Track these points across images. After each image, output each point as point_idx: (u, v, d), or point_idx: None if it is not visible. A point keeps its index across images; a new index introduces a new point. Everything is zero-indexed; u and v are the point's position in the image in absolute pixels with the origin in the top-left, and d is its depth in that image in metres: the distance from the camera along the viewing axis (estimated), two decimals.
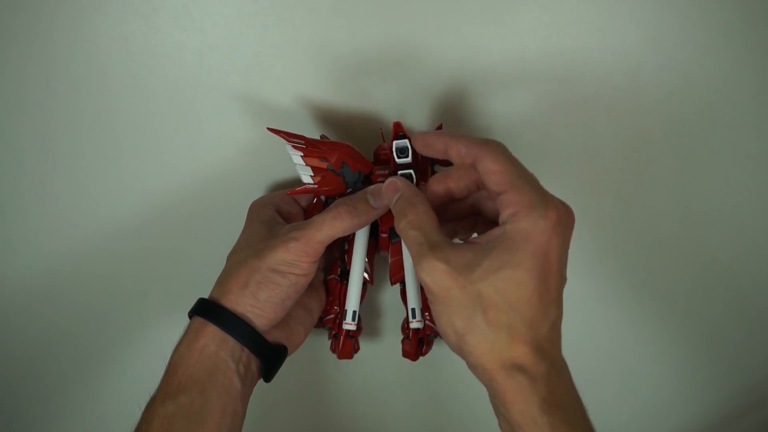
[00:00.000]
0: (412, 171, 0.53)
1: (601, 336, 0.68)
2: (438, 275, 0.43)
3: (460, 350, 0.44)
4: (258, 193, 0.60)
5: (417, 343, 0.59)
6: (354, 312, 0.56)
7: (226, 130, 0.58)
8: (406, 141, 0.52)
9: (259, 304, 0.49)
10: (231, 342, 0.49)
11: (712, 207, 0.64)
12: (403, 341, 0.60)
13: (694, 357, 0.70)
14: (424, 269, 0.43)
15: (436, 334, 0.59)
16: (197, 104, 0.57)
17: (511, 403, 0.42)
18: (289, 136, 0.52)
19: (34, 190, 0.60)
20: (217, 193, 0.60)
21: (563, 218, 0.42)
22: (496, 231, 0.43)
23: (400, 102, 0.58)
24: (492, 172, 0.44)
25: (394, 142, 0.52)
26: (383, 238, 0.56)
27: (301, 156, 0.52)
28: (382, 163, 0.55)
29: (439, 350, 0.62)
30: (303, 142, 0.52)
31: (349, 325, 0.56)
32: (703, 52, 0.57)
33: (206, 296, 0.51)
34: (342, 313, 0.58)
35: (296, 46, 0.55)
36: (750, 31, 0.57)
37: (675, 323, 0.68)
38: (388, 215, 0.54)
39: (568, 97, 0.58)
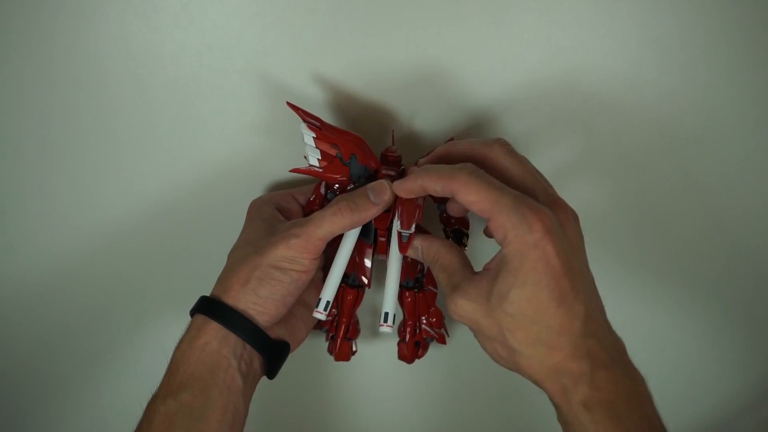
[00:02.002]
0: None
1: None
2: (463, 311, 0.46)
3: (510, 368, 0.47)
4: (258, 192, 0.60)
5: (413, 346, 0.59)
6: (327, 302, 0.54)
7: (225, 130, 0.58)
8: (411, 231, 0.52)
9: (260, 300, 0.49)
10: (233, 339, 0.49)
11: (712, 207, 0.64)
12: (399, 344, 0.60)
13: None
14: (451, 308, 0.47)
15: (432, 338, 0.59)
16: (197, 104, 0.57)
17: (559, 404, 0.44)
18: (306, 115, 0.52)
19: (34, 189, 0.60)
20: (217, 192, 0.60)
21: (550, 222, 0.43)
22: (498, 255, 0.46)
23: (407, 103, 0.58)
24: (470, 203, 0.45)
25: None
26: (381, 242, 0.56)
27: (314, 137, 0.52)
28: (389, 164, 0.55)
29: (434, 353, 0.62)
30: (318, 123, 0.52)
31: (319, 313, 0.54)
32: (702, 52, 0.57)
33: (207, 294, 0.51)
34: (340, 316, 0.57)
35: (296, 46, 0.55)
36: (750, 30, 0.57)
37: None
38: (384, 217, 0.54)
39: (569, 97, 0.58)
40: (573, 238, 0.45)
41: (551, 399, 0.45)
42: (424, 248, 0.52)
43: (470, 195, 0.45)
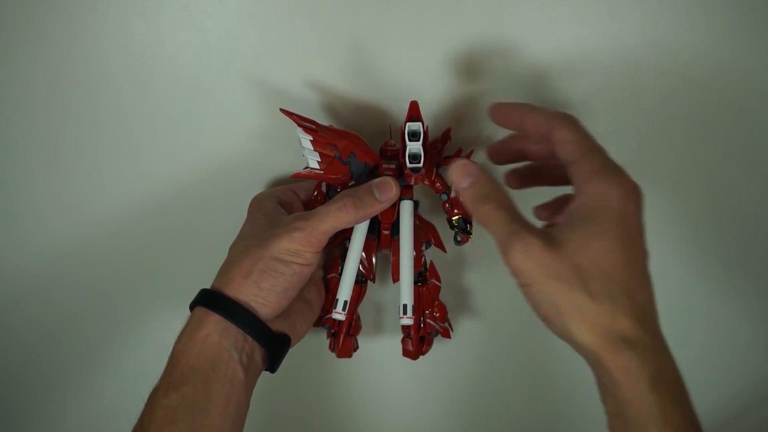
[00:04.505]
0: (420, 165, 0.52)
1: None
2: (535, 252, 0.41)
3: (564, 332, 0.42)
4: (258, 188, 0.60)
5: (418, 342, 0.58)
6: (345, 302, 0.54)
7: (225, 129, 0.58)
8: (420, 125, 0.51)
9: (262, 293, 0.49)
10: (234, 331, 0.48)
11: (713, 206, 0.64)
12: (403, 340, 0.59)
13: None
14: (517, 248, 0.42)
15: (437, 332, 0.59)
16: (197, 104, 0.57)
17: (621, 380, 0.40)
18: (300, 120, 0.52)
19: (32, 187, 0.60)
20: (217, 189, 0.60)
21: (635, 187, 0.43)
22: (573, 206, 0.43)
23: (404, 102, 0.58)
24: (565, 141, 0.45)
25: (407, 125, 0.51)
26: (385, 235, 0.56)
27: (311, 141, 0.52)
28: (389, 158, 0.55)
29: (439, 349, 0.62)
30: (314, 126, 0.52)
31: (338, 314, 0.54)
32: (703, 51, 0.57)
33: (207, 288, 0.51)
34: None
35: (296, 46, 0.56)
36: (750, 30, 0.57)
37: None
38: (390, 212, 0.54)
39: (569, 97, 0.58)
40: (643, 215, 0.44)
41: (606, 374, 0.41)
42: (482, 179, 0.46)
43: (569, 134, 0.45)
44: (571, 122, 0.45)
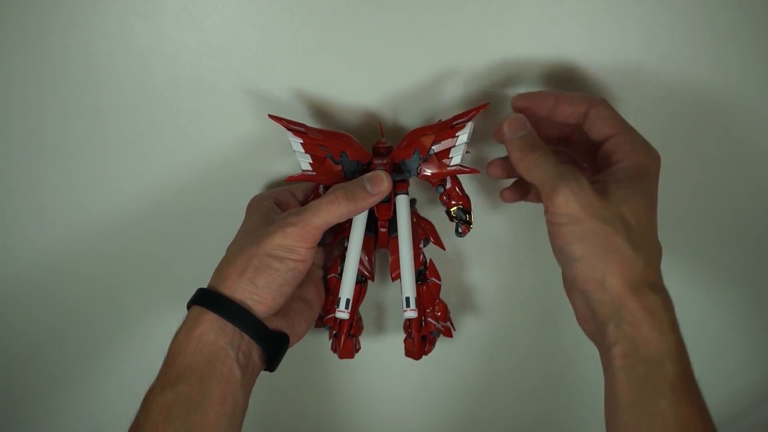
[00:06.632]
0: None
1: None
2: (586, 193, 0.45)
3: (595, 273, 0.45)
4: (256, 190, 0.60)
5: (420, 342, 0.58)
6: (347, 300, 0.54)
7: (225, 129, 0.58)
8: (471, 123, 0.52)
9: (257, 290, 0.49)
10: (230, 329, 0.48)
11: (713, 206, 0.64)
12: (405, 340, 0.59)
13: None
14: (571, 186, 0.45)
15: (439, 332, 0.58)
16: (197, 104, 0.57)
17: (643, 320, 0.44)
18: (289, 124, 0.52)
19: (29, 189, 0.60)
20: (216, 190, 0.60)
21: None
22: (618, 167, 0.48)
23: (397, 100, 0.58)
24: (605, 116, 0.50)
25: (471, 124, 0.52)
26: (382, 233, 0.56)
27: (301, 143, 0.52)
28: (381, 155, 0.55)
29: (442, 348, 0.61)
30: (303, 129, 0.53)
31: (342, 313, 0.54)
32: (703, 51, 0.57)
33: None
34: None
35: (296, 45, 0.56)
36: (751, 30, 0.57)
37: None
38: (386, 207, 0.54)
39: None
40: None
41: (628, 315, 0.44)
42: (532, 133, 0.50)
43: (607, 111, 0.50)
44: (605, 102, 0.51)
